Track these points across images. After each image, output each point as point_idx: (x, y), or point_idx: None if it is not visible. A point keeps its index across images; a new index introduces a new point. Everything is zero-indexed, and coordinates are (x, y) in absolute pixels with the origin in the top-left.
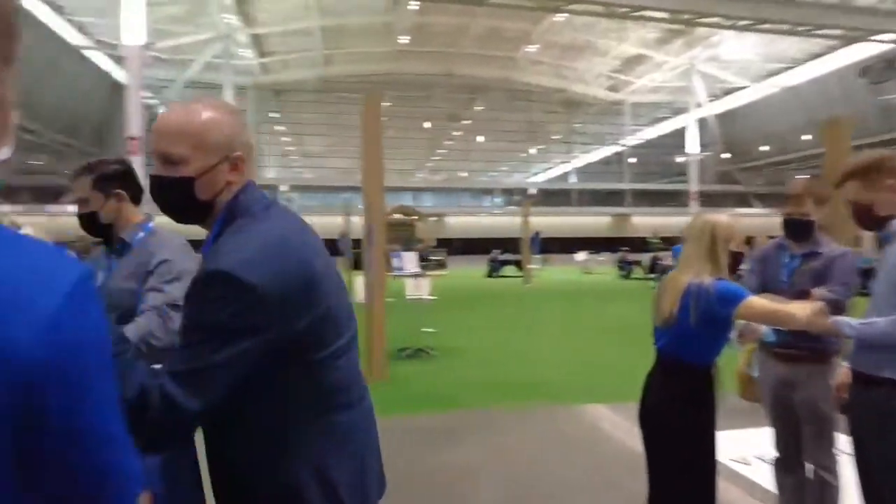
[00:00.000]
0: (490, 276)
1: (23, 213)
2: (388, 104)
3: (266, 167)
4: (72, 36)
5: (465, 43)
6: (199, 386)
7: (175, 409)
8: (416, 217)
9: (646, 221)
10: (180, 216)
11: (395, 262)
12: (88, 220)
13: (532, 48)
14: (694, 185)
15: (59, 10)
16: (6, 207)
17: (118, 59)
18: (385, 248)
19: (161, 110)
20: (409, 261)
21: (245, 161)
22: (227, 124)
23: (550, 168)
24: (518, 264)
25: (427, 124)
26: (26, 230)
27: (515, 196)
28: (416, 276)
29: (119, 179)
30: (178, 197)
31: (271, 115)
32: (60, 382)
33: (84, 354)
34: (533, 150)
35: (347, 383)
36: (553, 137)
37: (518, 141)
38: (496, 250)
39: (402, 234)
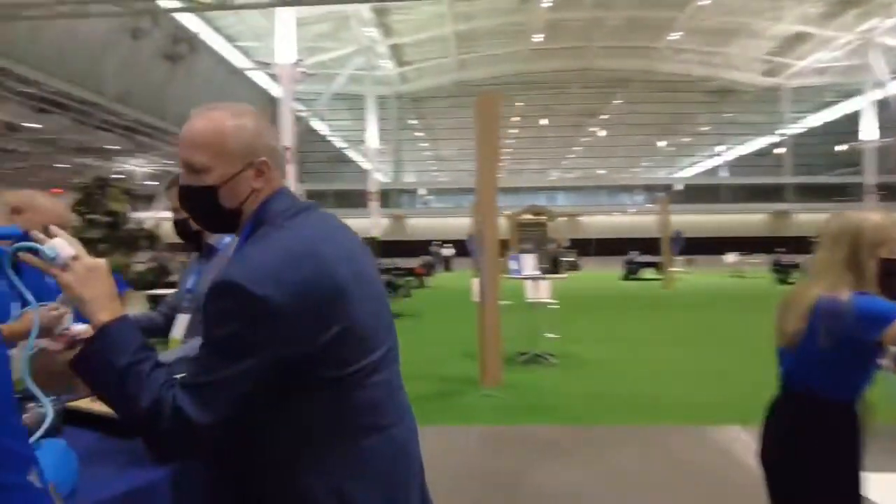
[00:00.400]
0: (626, 278)
1: None
2: (521, 104)
3: (406, 171)
4: (237, 59)
5: (601, 36)
6: (207, 399)
7: (184, 420)
8: (546, 217)
9: (811, 219)
10: (209, 224)
11: (511, 265)
12: (180, 228)
13: (675, 35)
14: (871, 177)
15: (228, 37)
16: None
17: (273, 77)
18: (494, 249)
19: (312, 122)
20: (527, 264)
21: (271, 167)
22: (248, 130)
23: (698, 162)
24: (657, 266)
25: (563, 121)
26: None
27: (658, 193)
28: (533, 279)
29: None
30: (203, 206)
31: (409, 122)
32: None
33: None
34: (677, 145)
35: (378, 404)
36: (701, 129)
37: (660, 134)
38: (633, 251)
39: (534, 235)
